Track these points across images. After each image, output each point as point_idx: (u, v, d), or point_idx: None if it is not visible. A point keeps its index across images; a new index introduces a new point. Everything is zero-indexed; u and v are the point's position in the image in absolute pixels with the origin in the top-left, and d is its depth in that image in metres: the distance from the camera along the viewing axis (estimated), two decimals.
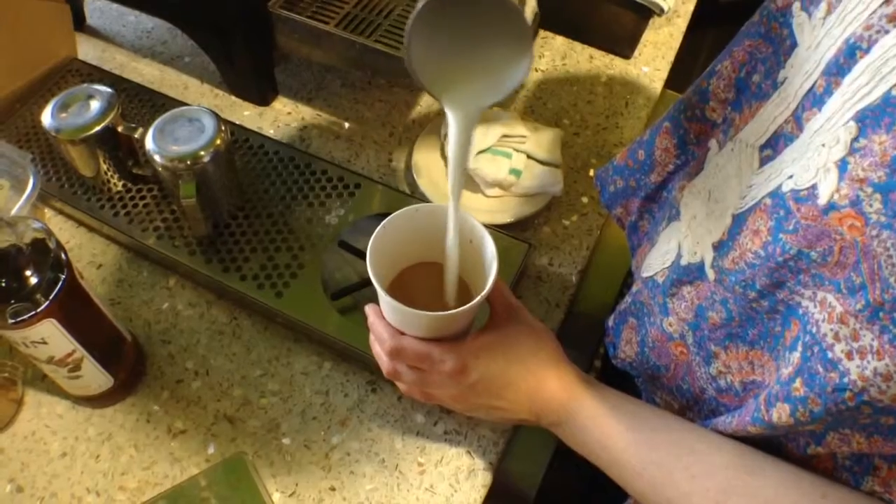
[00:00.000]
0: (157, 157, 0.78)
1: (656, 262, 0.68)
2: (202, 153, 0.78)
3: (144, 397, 0.78)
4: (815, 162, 0.45)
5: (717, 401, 0.59)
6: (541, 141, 0.93)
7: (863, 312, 0.41)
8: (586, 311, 0.93)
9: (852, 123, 0.43)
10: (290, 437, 0.75)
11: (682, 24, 1.19)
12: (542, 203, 0.91)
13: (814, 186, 0.44)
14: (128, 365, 0.77)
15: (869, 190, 0.40)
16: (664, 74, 1.12)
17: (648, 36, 1.17)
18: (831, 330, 0.43)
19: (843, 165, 0.42)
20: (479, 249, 0.63)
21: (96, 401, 0.77)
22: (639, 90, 1.09)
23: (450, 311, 0.58)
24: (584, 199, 0.95)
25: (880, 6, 0.43)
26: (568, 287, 0.87)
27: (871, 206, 0.40)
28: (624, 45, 1.13)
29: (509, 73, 0.53)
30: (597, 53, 1.14)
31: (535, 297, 0.86)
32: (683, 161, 0.69)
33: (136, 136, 0.83)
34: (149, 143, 0.79)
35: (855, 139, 0.42)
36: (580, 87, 1.09)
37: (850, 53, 0.45)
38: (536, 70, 1.11)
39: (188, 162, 0.78)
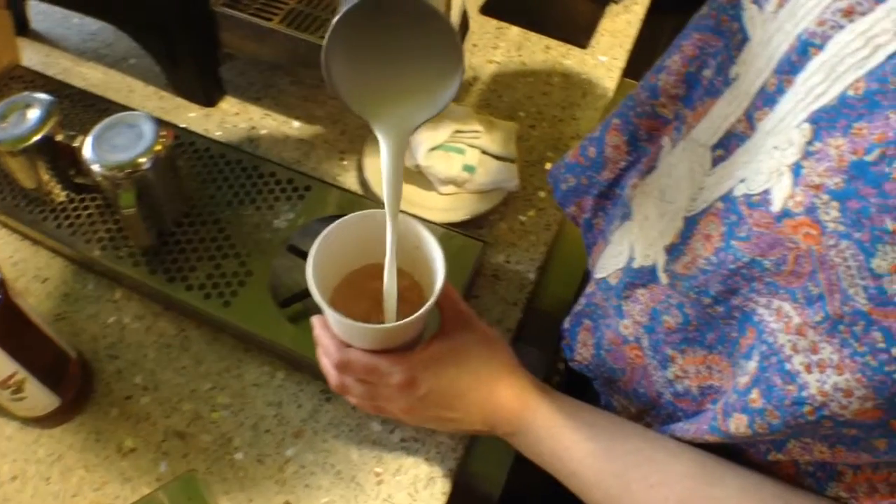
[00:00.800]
0: (95, 167, 0.75)
1: (609, 262, 0.66)
2: (141, 160, 0.75)
3: (93, 416, 0.75)
4: (768, 165, 0.43)
5: (675, 405, 0.58)
6: (495, 135, 0.91)
7: (822, 325, 0.39)
8: (547, 309, 0.92)
9: (806, 126, 0.41)
10: (243, 452, 0.73)
11: (639, 11, 1.17)
12: (498, 199, 0.89)
13: (766, 191, 0.42)
14: (74, 383, 0.74)
15: (825, 197, 0.38)
16: (622, 63, 1.10)
17: (605, 24, 1.15)
18: (789, 341, 0.41)
19: (796, 169, 0.40)
20: (427, 256, 0.62)
21: (44, 421, 0.74)
22: (596, 80, 1.07)
23: (394, 324, 0.56)
24: (541, 194, 0.93)
25: (833, 0, 0.41)
26: (526, 285, 0.85)
27: (827, 213, 0.38)
28: (580, 34, 1.11)
29: (441, 88, 0.49)
30: (553, 43, 1.12)
31: (492, 297, 0.84)
32: (635, 158, 0.68)
33: (75, 144, 0.80)
34: (87, 153, 0.76)
35: (809, 142, 0.40)
36: (536, 79, 1.07)
37: (803, 50, 0.43)
38: (491, 62, 1.09)
39: (127, 170, 0.75)
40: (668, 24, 1.58)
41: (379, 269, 0.64)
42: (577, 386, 0.74)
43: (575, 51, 1.11)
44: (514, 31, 1.14)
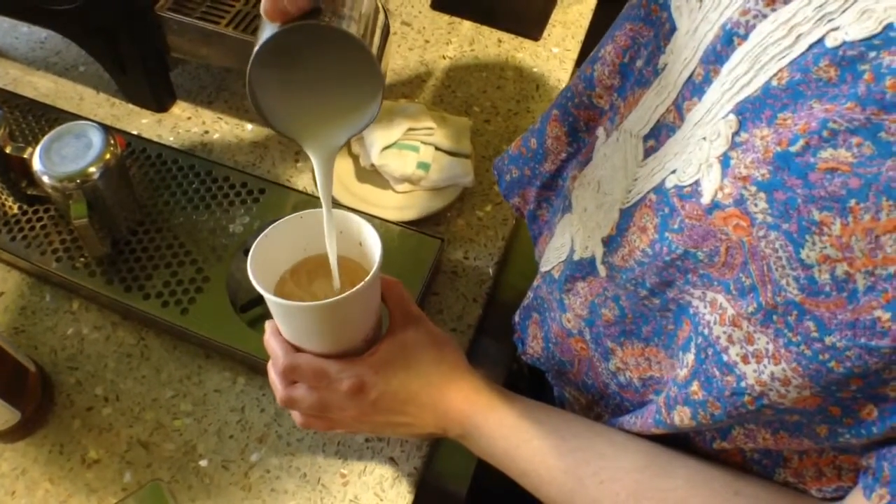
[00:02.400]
0: (45, 179, 0.75)
1: (552, 255, 0.66)
2: (91, 170, 0.75)
3: (55, 428, 0.75)
4: (697, 157, 0.43)
5: (621, 396, 0.59)
6: (449, 131, 0.91)
7: (755, 315, 0.39)
8: (507, 300, 0.92)
9: (732, 117, 0.41)
10: (208, 459, 0.73)
11: (591, 1, 1.17)
12: (454, 195, 0.89)
13: (697, 183, 0.43)
14: (34, 397, 0.73)
15: (753, 189, 0.38)
16: (574, 55, 1.10)
17: (557, 16, 1.15)
18: (724, 332, 0.42)
19: (725, 161, 0.41)
20: (369, 246, 0.61)
21: (6, 436, 0.73)
22: (549, 72, 1.08)
23: (332, 300, 0.54)
24: (497, 189, 0.93)
25: None
26: (485, 280, 0.86)
27: (755, 205, 0.38)
28: (533, 26, 1.11)
29: (364, 108, 0.50)
30: (505, 37, 1.12)
31: (451, 293, 0.85)
32: (575, 149, 0.68)
33: (25, 156, 0.79)
34: (36, 164, 0.75)
35: (736, 133, 0.41)
36: (489, 73, 1.07)
37: (728, 40, 0.43)
38: (444, 57, 1.09)
39: (77, 181, 0.74)
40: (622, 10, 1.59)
41: (317, 261, 0.64)
42: (539, 374, 0.74)
43: (528, 43, 1.11)
44: (467, 26, 1.14)
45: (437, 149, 0.90)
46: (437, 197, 0.89)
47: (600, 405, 0.63)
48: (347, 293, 0.55)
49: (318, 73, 0.49)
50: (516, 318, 0.73)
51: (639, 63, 0.56)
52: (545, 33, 1.12)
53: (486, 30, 1.13)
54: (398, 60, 1.09)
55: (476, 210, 0.92)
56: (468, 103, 1.04)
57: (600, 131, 0.61)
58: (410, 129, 0.90)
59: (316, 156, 0.53)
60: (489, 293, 0.85)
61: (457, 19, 1.14)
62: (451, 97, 1.04)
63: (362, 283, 0.55)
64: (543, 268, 0.68)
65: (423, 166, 0.88)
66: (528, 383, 0.89)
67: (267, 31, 0.44)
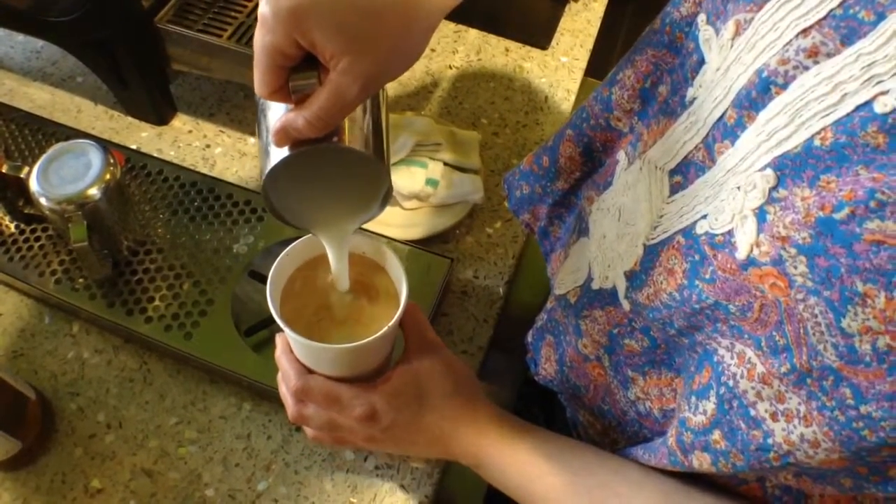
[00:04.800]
0: (43, 201, 0.73)
1: (567, 279, 0.65)
2: (91, 192, 0.73)
3: (57, 456, 0.73)
4: (731, 206, 0.42)
5: (640, 424, 0.58)
6: (457, 146, 0.89)
7: (788, 376, 0.38)
8: (516, 315, 0.90)
9: (770, 172, 0.40)
10: (214, 488, 0.71)
11: (599, 8, 1.15)
12: (463, 212, 0.87)
13: (730, 233, 0.41)
14: (34, 425, 0.72)
15: (793, 251, 0.37)
16: (583, 64, 1.08)
17: (565, 24, 1.13)
18: (752, 388, 0.41)
19: (761, 214, 0.39)
20: (391, 277, 0.61)
21: (7, 465, 0.71)
22: (558, 82, 1.06)
23: (354, 344, 0.55)
24: (507, 204, 0.92)
25: (796, 37, 0.39)
26: (495, 300, 0.84)
27: (795, 268, 0.37)
28: (540, 35, 1.09)
29: (372, 200, 0.55)
30: (513, 45, 1.10)
31: (461, 314, 0.83)
32: (590, 168, 0.67)
33: (21, 175, 0.77)
34: (34, 186, 0.73)
35: (773, 188, 0.39)
36: (497, 83, 1.05)
37: (764, 88, 0.41)
38: (451, 67, 1.07)
39: (77, 203, 0.72)
40: (628, 13, 1.57)
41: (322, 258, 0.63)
42: (551, 393, 0.73)
43: (535, 52, 1.09)
44: (473, 34, 1.11)
45: (446, 164, 0.88)
46: (446, 214, 0.87)
47: (616, 431, 0.62)
48: (371, 338, 0.55)
49: (327, 175, 0.53)
50: (529, 339, 0.72)
51: (661, 89, 0.55)
52: (553, 41, 1.10)
53: (492, 38, 1.11)
54: None
55: (485, 227, 0.90)
56: (476, 115, 1.01)
57: (621, 155, 0.59)
58: (418, 145, 0.88)
59: (329, 241, 0.57)
60: (500, 313, 0.83)
61: (463, 27, 1.12)
62: (458, 109, 1.02)
63: (385, 327, 0.56)
64: (558, 290, 0.67)
65: (432, 183, 0.86)
66: (539, 401, 0.87)
67: (277, 150, 0.47)
